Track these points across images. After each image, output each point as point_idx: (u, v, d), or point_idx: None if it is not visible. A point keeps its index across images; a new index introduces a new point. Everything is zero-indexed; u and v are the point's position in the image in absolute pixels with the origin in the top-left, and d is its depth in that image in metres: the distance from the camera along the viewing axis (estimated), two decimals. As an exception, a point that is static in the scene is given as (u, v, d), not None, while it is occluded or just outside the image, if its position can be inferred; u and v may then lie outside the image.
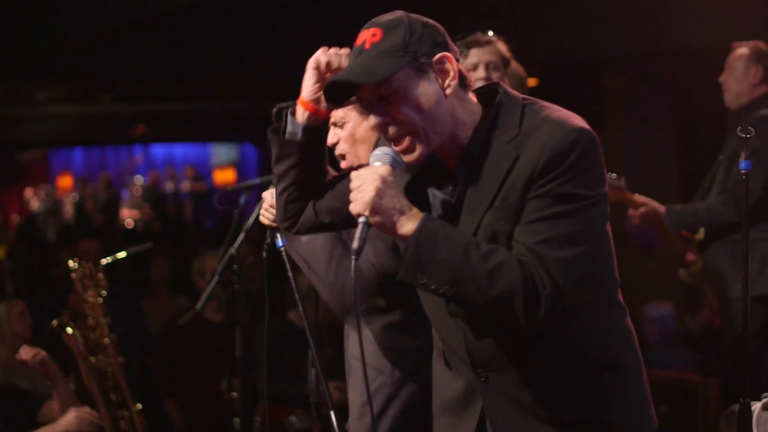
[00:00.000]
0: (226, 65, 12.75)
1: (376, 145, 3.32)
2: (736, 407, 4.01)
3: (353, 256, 2.91)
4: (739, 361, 5.98)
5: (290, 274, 4.22)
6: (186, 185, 26.17)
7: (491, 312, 3.03)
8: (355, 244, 2.92)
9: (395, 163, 3.07)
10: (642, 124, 12.50)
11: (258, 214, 5.73)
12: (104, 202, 24.65)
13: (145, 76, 13.31)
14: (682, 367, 7.99)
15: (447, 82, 3.09)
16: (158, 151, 29.53)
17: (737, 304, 6.42)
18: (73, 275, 6.71)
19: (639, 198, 6.59)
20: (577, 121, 3.05)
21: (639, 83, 12.50)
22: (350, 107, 4.08)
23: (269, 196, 4.18)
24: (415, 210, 3.00)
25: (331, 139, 4.15)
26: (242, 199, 6.39)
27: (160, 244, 10.02)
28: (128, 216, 23.98)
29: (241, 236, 5.74)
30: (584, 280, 3.02)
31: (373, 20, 3.12)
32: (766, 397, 5.07)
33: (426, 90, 3.05)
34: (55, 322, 6.64)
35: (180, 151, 29.07)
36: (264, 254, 4.34)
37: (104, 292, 6.78)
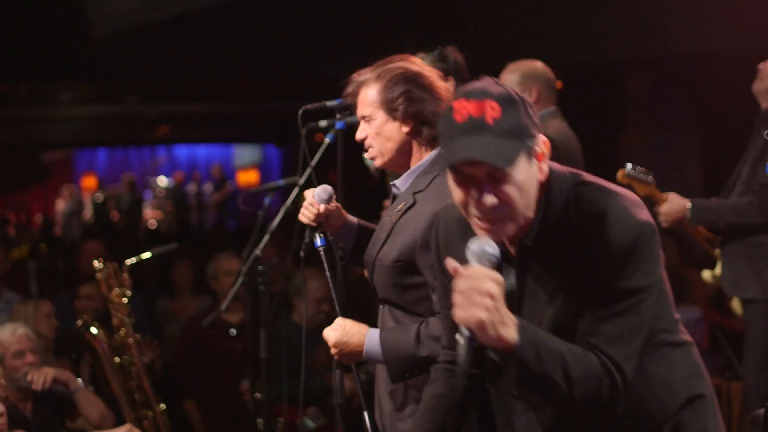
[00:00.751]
0: (249, 66, 12.77)
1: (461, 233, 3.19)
2: (761, 412, 4.01)
3: (460, 370, 2.86)
4: (761, 365, 6.01)
5: (327, 273, 4.18)
6: (209, 187, 26.19)
7: (572, 410, 3.06)
8: (459, 360, 2.81)
9: (498, 263, 2.91)
10: (664, 126, 12.49)
11: (282, 216, 5.83)
12: (128, 203, 24.70)
13: (169, 77, 13.35)
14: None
15: (542, 164, 3.04)
16: (181, 152, 29.59)
17: (758, 307, 6.41)
18: (98, 275, 6.75)
19: (666, 195, 6.57)
20: (638, 211, 3.01)
21: (661, 85, 12.50)
22: (377, 106, 4.12)
23: (310, 195, 4.18)
24: (512, 318, 2.86)
25: (359, 135, 4.22)
26: (266, 201, 6.40)
27: (184, 245, 10.03)
28: (151, 217, 24.02)
29: (266, 237, 5.78)
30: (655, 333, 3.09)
31: (479, 88, 2.99)
32: (789, 401, 5.08)
33: (530, 174, 3.00)
34: (79, 322, 6.69)
35: (203, 152, 29.13)
36: (302, 253, 4.30)
37: (129, 293, 6.81)
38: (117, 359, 6.66)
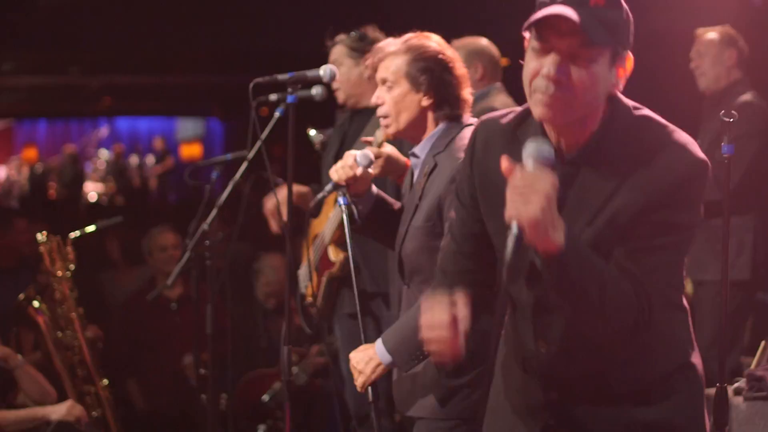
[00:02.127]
0: (194, 38, 12.67)
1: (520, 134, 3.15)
2: (712, 391, 4.01)
3: (505, 268, 2.80)
4: (709, 345, 6.03)
5: (347, 231, 4.35)
6: (151, 160, 26.00)
7: (594, 326, 3.01)
8: (507, 256, 2.80)
9: (552, 166, 2.87)
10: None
11: (230, 190, 5.77)
12: (69, 175, 24.45)
13: (113, 48, 13.21)
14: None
15: (620, 79, 3.02)
16: (123, 124, 29.34)
17: (711, 288, 6.44)
18: (42, 248, 6.64)
19: None
20: (697, 149, 2.99)
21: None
22: (401, 74, 4.22)
23: (351, 157, 4.26)
24: (561, 222, 2.83)
25: (375, 99, 4.34)
26: (214, 175, 6.36)
27: (126, 218, 9.94)
28: (92, 189, 23.80)
29: (214, 212, 5.73)
30: (666, 289, 3.05)
31: None
32: (737, 382, 5.10)
33: (606, 77, 2.96)
34: (21, 296, 6.58)
35: (145, 125, 28.90)
36: (344, 217, 4.37)
37: (72, 266, 6.71)
38: (59, 334, 6.56)
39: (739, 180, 6.36)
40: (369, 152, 4.30)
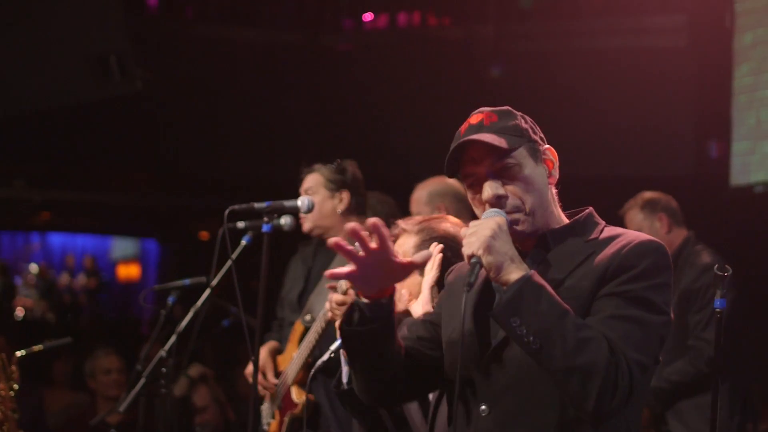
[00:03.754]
0: (134, 157, 12.62)
1: None
2: None
3: (466, 288, 2.95)
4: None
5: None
6: (82, 279, 25.64)
7: (564, 380, 2.94)
8: (469, 279, 2.95)
9: (507, 222, 3.11)
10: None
11: (192, 317, 5.68)
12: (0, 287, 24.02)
13: (55, 162, 13.10)
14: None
15: (552, 171, 3.25)
16: (56, 240, 29.00)
17: None
18: (-16, 367, 6.44)
19: None
20: (656, 239, 3.13)
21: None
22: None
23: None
24: (523, 264, 3.01)
25: None
26: (170, 299, 6.27)
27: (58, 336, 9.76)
28: (21, 304, 23.36)
29: (173, 339, 5.62)
30: (645, 390, 3.08)
31: (480, 109, 3.26)
32: None
33: (537, 172, 3.20)
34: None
35: (79, 242, 28.58)
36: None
37: (16, 386, 6.51)
38: (0, 455, 6.34)
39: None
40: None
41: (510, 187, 3.15)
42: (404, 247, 4.22)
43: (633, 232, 3.15)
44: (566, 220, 3.26)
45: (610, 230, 3.20)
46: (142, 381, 5.66)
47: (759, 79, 8.19)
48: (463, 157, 3.17)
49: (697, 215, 7.70)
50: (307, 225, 6.00)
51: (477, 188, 3.19)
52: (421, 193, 6.63)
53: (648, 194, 6.93)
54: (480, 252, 2.97)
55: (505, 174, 3.15)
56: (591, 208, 3.30)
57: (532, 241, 3.20)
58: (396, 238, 4.29)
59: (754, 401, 7.09)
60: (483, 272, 3.07)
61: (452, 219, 4.36)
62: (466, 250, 3.00)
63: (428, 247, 4.18)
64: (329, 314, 4.79)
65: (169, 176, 13.89)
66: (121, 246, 27.76)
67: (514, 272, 2.97)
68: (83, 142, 12.20)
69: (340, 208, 5.92)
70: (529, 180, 3.16)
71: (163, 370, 5.63)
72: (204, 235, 18.99)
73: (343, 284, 4.80)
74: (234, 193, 12.14)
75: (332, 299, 4.72)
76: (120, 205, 20.79)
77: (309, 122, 11.28)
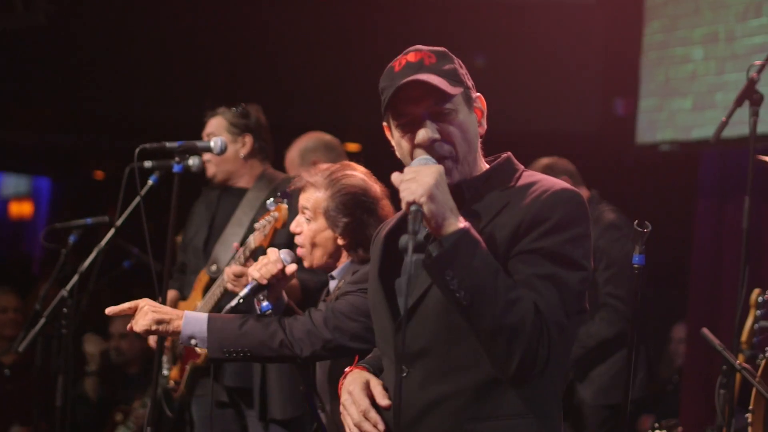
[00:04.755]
0: (27, 94, 12.35)
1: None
2: None
3: (410, 236, 2.81)
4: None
5: None
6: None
7: (490, 339, 2.91)
8: (410, 227, 2.83)
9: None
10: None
11: (95, 256, 5.56)
12: None
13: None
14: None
15: (482, 120, 3.20)
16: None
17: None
18: None
19: None
20: (571, 186, 3.10)
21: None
22: (320, 211, 4.18)
23: (274, 253, 4.01)
24: (459, 215, 2.92)
25: (295, 228, 4.29)
26: (71, 238, 6.16)
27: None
28: None
29: (75, 278, 5.52)
30: (567, 345, 3.04)
31: (414, 47, 3.18)
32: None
33: (470, 119, 3.16)
34: None
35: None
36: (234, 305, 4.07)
37: None
38: None
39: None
40: (291, 251, 4.10)
41: (444, 132, 3.09)
42: (314, 199, 4.19)
43: (550, 179, 3.11)
44: (486, 166, 3.22)
45: (527, 176, 3.16)
46: (42, 321, 5.54)
47: (670, 37, 8.21)
48: (399, 95, 3.08)
49: (602, 172, 7.76)
50: (210, 169, 5.90)
51: (409, 129, 3.13)
52: (293, 154, 6.61)
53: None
54: (423, 200, 2.86)
55: (442, 118, 3.10)
56: (509, 153, 3.26)
57: (450, 189, 3.05)
58: (301, 190, 4.25)
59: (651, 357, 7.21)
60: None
61: (359, 168, 4.32)
62: (407, 197, 2.88)
63: (340, 207, 4.15)
64: (228, 285, 4.85)
65: (69, 114, 13.60)
66: (11, 183, 27.28)
67: (453, 224, 2.89)
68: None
69: (243, 152, 5.86)
70: (464, 127, 3.12)
71: (64, 310, 5.52)
72: (99, 174, 18.68)
73: (251, 241, 4.78)
74: (132, 133, 12.01)
75: (229, 272, 4.79)
76: (13, 141, 20.41)
77: (215, 64, 11.10)
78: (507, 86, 9.26)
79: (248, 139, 5.86)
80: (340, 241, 4.21)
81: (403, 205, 2.89)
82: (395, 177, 2.97)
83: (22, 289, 9.86)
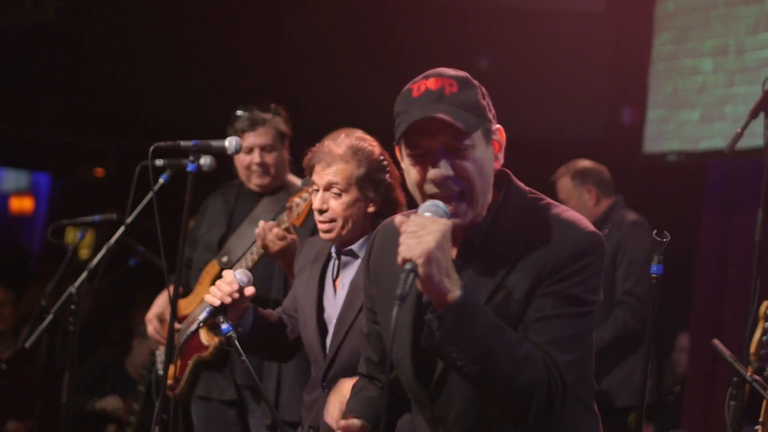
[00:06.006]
0: (29, 91, 12.33)
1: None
2: None
3: (398, 302, 2.70)
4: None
5: (242, 359, 3.91)
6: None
7: (503, 400, 2.91)
8: (399, 290, 2.70)
9: (448, 218, 2.89)
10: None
11: (103, 254, 5.56)
12: None
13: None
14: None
15: (498, 154, 3.05)
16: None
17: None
18: None
19: None
20: (588, 224, 3.02)
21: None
22: (352, 182, 4.12)
23: (230, 274, 3.94)
24: (457, 276, 2.82)
25: (320, 205, 4.19)
26: (79, 235, 6.16)
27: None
28: None
29: (84, 275, 5.51)
30: (576, 384, 2.96)
31: (436, 71, 3.02)
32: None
33: (487, 155, 3.01)
34: None
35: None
36: (198, 329, 3.98)
37: None
38: None
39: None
40: (247, 270, 4.03)
41: (459, 168, 2.94)
42: (342, 174, 4.14)
43: (564, 217, 3.01)
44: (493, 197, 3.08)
45: (538, 209, 3.05)
46: (50, 317, 5.53)
47: (679, 48, 8.22)
48: (415, 125, 2.94)
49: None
50: (264, 180, 5.77)
51: (421, 161, 2.98)
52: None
53: (581, 164, 7.04)
54: (420, 261, 2.74)
55: (458, 154, 2.94)
56: (510, 175, 3.14)
57: (459, 233, 3.03)
58: (322, 167, 4.19)
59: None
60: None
61: (368, 138, 4.32)
62: (404, 252, 2.76)
63: (371, 174, 4.13)
64: (266, 245, 4.83)
65: (71, 110, 13.58)
66: (11, 178, 27.24)
67: (449, 291, 2.79)
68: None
69: (287, 157, 5.81)
70: (479, 163, 2.96)
71: (72, 306, 5.50)
72: (99, 171, 18.65)
73: (285, 219, 4.82)
74: (133, 132, 11.99)
75: (276, 233, 4.78)
76: (13, 137, 20.38)
77: (221, 64, 11.09)
78: (514, 91, 9.27)
79: (288, 143, 5.81)
80: (370, 209, 4.19)
81: (399, 259, 2.78)
82: (398, 221, 2.88)
83: (19, 285, 9.86)
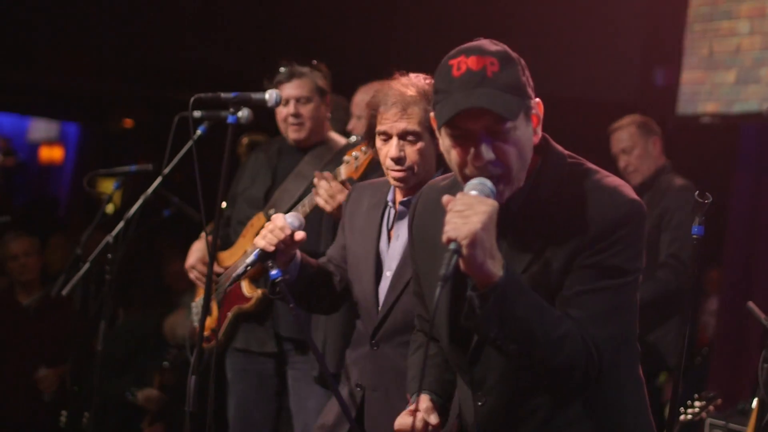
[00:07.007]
0: (58, 38, 12.32)
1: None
2: None
3: (440, 283, 2.67)
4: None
5: (293, 306, 3.84)
6: (-2, 157, 25.11)
7: (542, 376, 2.95)
8: (443, 271, 2.68)
9: (494, 198, 2.85)
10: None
11: (140, 204, 5.58)
12: None
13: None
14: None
15: (537, 128, 3.00)
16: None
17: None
18: None
19: None
20: (629, 191, 2.98)
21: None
22: (425, 126, 3.94)
23: (280, 218, 3.87)
24: (500, 256, 2.79)
25: (398, 153, 4.00)
26: (114, 186, 6.17)
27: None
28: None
29: (121, 224, 5.53)
30: (615, 353, 2.98)
31: (476, 46, 2.94)
32: None
33: (527, 133, 2.96)
34: None
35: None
36: (267, 288, 3.95)
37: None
38: None
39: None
40: (299, 214, 3.97)
41: (500, 151, 2.89)
42: (417, 119, 3.97)
43: (604, 183, 2.97)
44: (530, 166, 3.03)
45: (577, 174, 3.01)
46: (87, 266, 5.56)
47: (715, 10, 8.17)
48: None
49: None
50: (300, 134, 5.78)
51: (461, 142, 2.92)
52: (363, 96, 6.52)
53: (641, 116, 7.04)
54: (465, 242, 2.70)
55: (499, 137, 2.88)
56: (548, 139, 3.10)
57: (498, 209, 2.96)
58: (402, 110, 3.99)
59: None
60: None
61: (428, 77, 4.02)
62: (449, 232, 2.73)
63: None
64: (321, 202, 4.78)
65: (101, 59, 13.59)
66: (39, 128, 27.28)
67: (493, 269, 2.76)
68: (16, 19, 11.88)
69: (327, 113, 5.80)
70: (520, 143, 2.91)
71: (109, 256, 5.53)
72: (128, 122, 18.68)
73: (343, 172, 4.75)
74: (163, 82, 11.97)
75: (333, 187, 4.72)
76: (43, 85, 20.39)
77: (253, 14, 11.07)
78: (545, 50, 9.22)
79: (329, 100, 5.80)
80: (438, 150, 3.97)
81: (444, 238, 2.74)
82: (446, 200, 2.83)
83: (46, 233, 9.89)
